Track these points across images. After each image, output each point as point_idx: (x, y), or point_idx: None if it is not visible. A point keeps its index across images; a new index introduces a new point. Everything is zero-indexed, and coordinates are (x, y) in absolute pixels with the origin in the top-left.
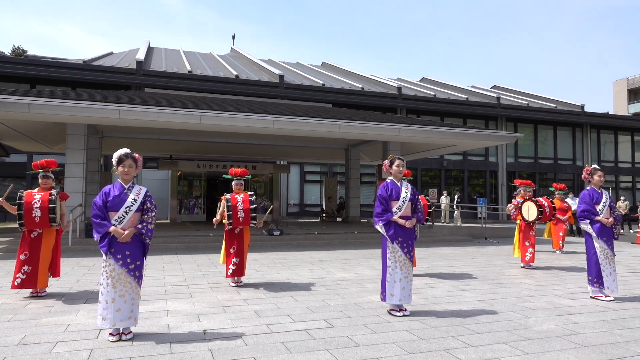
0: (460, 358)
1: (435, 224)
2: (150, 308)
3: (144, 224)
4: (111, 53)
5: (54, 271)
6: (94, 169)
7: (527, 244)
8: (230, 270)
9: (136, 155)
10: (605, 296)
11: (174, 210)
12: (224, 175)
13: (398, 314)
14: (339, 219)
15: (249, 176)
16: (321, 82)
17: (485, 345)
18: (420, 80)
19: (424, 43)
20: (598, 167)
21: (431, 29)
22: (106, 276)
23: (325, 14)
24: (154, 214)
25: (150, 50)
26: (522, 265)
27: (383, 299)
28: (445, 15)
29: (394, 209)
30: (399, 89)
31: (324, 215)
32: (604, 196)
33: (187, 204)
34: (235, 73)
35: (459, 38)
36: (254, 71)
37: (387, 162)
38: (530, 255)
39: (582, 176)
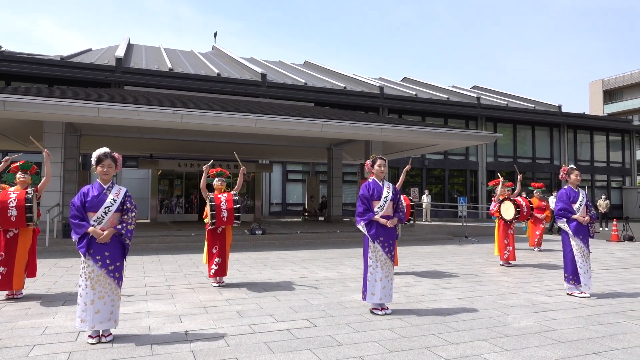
0: (441, 355)
1: (416, 222)
2: (130, 309)
3: (124, 225)
4: (90, 50)
5: (30, 271)
6: (72, 167)
7: (505, 242)
8: (213, 270)
9: (116, 154)
10: (581, 293)
11: (154, 210)
12: (207, 178)
13: (380, 312)
14: (321, 218)
15: (229, 176)
16: (304, 81)
17: (466, 343)
18: (402, 80)
19: (406, 43)
20: (575, 167)
21: (413, 29)
22: (85, 277)
23: (308, 13)
24: (134, 214)
25: (130, 47)
26: (501, 263)
27: (364, 298)
28: (427, 15)
29: (375, 209)
30: (381, 88)
31: (306, 214)
32: (580, 195)
33: (169, 203)
34: (217, 71)
35: (441, 38)
36: (236, 69)
37: (369, 161)
38: (509, 254)
39: (560, 175)
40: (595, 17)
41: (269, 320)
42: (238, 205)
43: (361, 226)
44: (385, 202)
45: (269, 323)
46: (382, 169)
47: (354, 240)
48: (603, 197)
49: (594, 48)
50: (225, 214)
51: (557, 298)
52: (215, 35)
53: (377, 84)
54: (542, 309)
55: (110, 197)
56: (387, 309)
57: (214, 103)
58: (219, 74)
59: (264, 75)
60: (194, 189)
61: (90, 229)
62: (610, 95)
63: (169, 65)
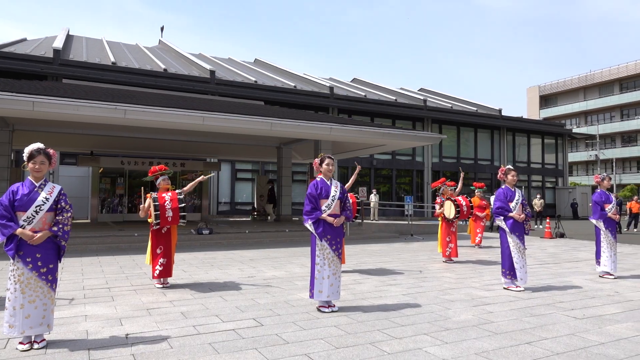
0: (384, 350)
1: (364, 221)
2: (66, 313)
3: (60, 226)
4: (24, 39)
5: None
6: (3, 164)
7: (447, 239)
8: (157, 272)
9: (50, 150)
10: (517, 287)
11: (95, 210)
12: (145, 179)
13: (327, 310)
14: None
15: (169, 171)
16: (253, 79)
17: (409, 337)
18: (351, 81)
19: (355, 44)
20: (512, 168)
21: (363, 31)
22: (14, 281)
23: (258, 11)
24: (69, 214)
25: (69, 38)
26: (443, 260)
27: (312, 295)
28: (376, 18)
29: (323, 207)
30: (331, 88)
31: (255, 213)
32: (517, 194)
33: (111, 202)
34: (163, 66)
35: (389, 40)
36: (183, 65)
37: (317, 160)
38: (450, 251)
39: (498, 176)
40: (533, 26)
41: (214, 320)
42: (183, 205)
43: (309, 225)
44: (333, 200)
45: (215, 323)
46: (330, 167)
47: (303, 239)
48: (538, 196)
49: (532, 55)
50: (170, 213)
51: (495, 292)
52: (162, 29)
53: (328, 84)
54: (481, 303)
55: (43, 195)
56: (334, 306)
57: (159, 99)
58: (165, 70)
59: (212, 72)
60: (138, 188)
61: (18, 230)
62: (546, 100)
63: (112, 59)
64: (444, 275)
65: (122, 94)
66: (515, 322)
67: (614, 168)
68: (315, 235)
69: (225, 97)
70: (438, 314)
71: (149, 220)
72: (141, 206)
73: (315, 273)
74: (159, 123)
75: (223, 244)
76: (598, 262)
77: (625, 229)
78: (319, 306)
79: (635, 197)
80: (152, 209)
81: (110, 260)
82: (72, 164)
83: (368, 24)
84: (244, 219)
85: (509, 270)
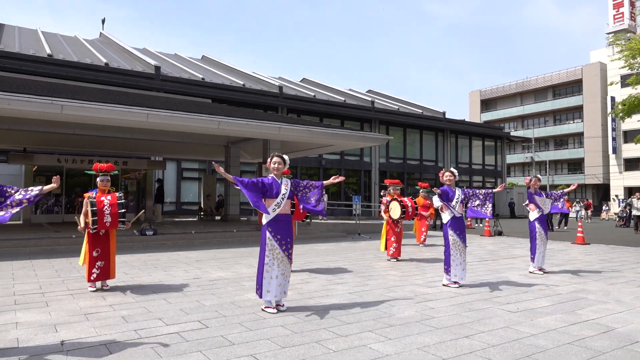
0: (330, 348)
1: (313, 220)
2: None
3: None
4: None
5: None
6: None
7: (392, 239)
8: (94, 275)
9: None
10: (454, 283)
11: (28, 210)
12: (87, 171)
13: (273, 310)
14: (217, 218)
15: (116, 172)
16: (201, 76)
17: (354, 334)
18: (301, 81)
19: (305, 44)
20: (449, 169)
21: (311, 31)
22: None
23: (205, 6)
24: None
25: None
26: (388, 258)
27: (260, 295)
28: (324, 18)
29: (272, 206)
30: (281, 88)
31: (202, 213)
32: (456, 193)
33: (45, 202)
34: (104, 60)
35: (337, 41)
36: (126, 60)
37: (269, 159)
38: (394, 250)
39: (440, 179)
40: (475, 33)
41: (157, 324)
42: (123, 210)
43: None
44: (283, 199)
45: (158, 327)
46: (276, 165)
47: (251, 240)
48: None
49: (473, 61)
50: (108, 219)
51: (437, 289)
52: (103, 21)
53: (277, 84)
54: (423, 299)
55: None
56: (283, 305)
57: (100, 94)
58: (107, 64)
59: (157, 68)
60: (77, 187)
61: None
62: (487, 104)
63: (48, 51)
64: (389, 274)
65: (60, 88)
66: (455, 317)
67: (547, 169)
68: (266, 232)
69: (171, 94)
70: (383, 311)
71: (86, 220)
72: (80, 217)
73: (264, 272)
74: (99, 119)
75: (168, 245)
76: (533, 259)
77: (556, 227)
78: (265, 307)
79: (566, 197)
80: (89, 213)
81: (44, 263)
82: (2, 162)
83: (315, 23)
84: (191, 219)
85: (449, 267)
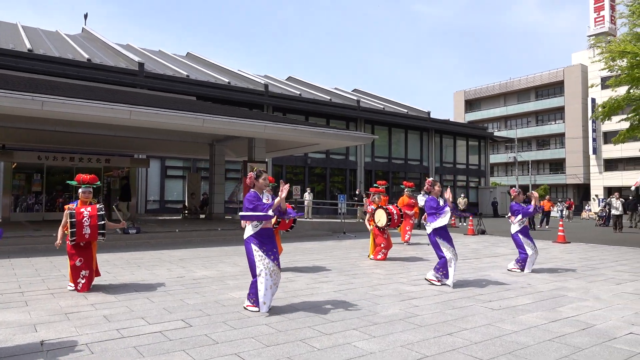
0: (314, 346)
1: (298, 219)
2: None
3: None
4: None
5: None
6: None
7: (382, 245)
8: (80, 285)
9: None
10: (438, 281)
11: (7, 208)
12: (69, 182)
13: (256, 309)
14: (202, 216)
15: (98, 184)
16: (185, 73)
17: (338, 333)
18: (287, 79)
19: (290, 43)
20: (434, 179)
21: (297, 29)
22: None
23: (190, 2)
24: None
25: None
26: (370, 257)
27: (257, 306)
28: (310, 17)
29: (255, 222)
30: (266, 86)
31: (186, 212)
32: (440, 203)
33: (25, 200)
34: (87, 56)
35: (323, 40)
36: (109, 56)
37: (252, 174)
38: (382, 255)
39: (425, 187)
40: (461, 35)
41: (140, 323)
42: (103, 222)
43: (251, 224)
44: None
45: (140, 326)
46: (267, 182)
47: (235, 238)
48: (462, 195)
49: (458, 61)
50: (87, 230)
51: (421, 287)
52: (85, 16)
53: (262, 82)
54: (407, 297)
55: None
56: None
57: (82, 91)
58: (89, 60)
59: (141, 65)
60: (58, 185)
61: None
62: (471, 104)
63: (29, 46)
64: (374, 272)
65: (41, 83)
66: (439, 315)
67: (530, 169)
68: (255, 240)
69: (155, 91)
70: (367, 309)
71: (65, 232)
72: (59, 230)
73: (259, 285)
74: (81, 116)
75: (151, 244)
76: (523, 267)
77: (538, 226)
78: (247, 305)
79: (547, 197)
80: (68, 224)
81: (24, 262)
82: None
83: (301, 22)
84: (175, 217)
85: (442, 267)
